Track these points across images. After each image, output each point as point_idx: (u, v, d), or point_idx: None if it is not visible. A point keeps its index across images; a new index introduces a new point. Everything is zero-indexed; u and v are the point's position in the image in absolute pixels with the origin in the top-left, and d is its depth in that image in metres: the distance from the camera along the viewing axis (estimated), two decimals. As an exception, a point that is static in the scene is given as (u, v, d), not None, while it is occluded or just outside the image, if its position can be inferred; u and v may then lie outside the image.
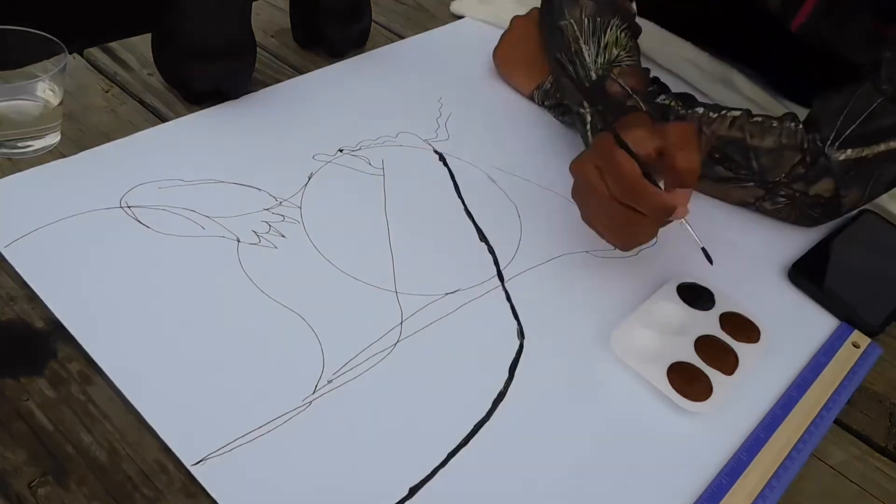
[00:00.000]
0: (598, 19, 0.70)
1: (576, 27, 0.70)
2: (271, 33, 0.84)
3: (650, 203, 0.53)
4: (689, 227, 0.56)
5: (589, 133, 0.68)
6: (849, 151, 0.64)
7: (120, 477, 0.43)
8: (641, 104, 0.66)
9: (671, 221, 0.56)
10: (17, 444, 0.43)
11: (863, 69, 0.65)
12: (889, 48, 0.63)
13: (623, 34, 0.70)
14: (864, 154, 0.64)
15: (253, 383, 0.48)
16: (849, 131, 0.64)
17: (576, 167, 0.56)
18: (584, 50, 0.70)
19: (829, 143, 0.64)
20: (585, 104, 0.68)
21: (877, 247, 0.71)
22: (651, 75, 0.74)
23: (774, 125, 0.67)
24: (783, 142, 0.66)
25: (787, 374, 0.57)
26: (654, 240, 0.66)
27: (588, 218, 0.58)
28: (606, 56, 0.69)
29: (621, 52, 0.69)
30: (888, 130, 0.63)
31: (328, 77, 0.78)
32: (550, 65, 0.76)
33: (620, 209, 0.54)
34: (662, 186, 0.55)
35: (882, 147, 0.63)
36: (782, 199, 0.68)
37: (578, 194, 0.58)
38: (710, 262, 0.57)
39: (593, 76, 0.68)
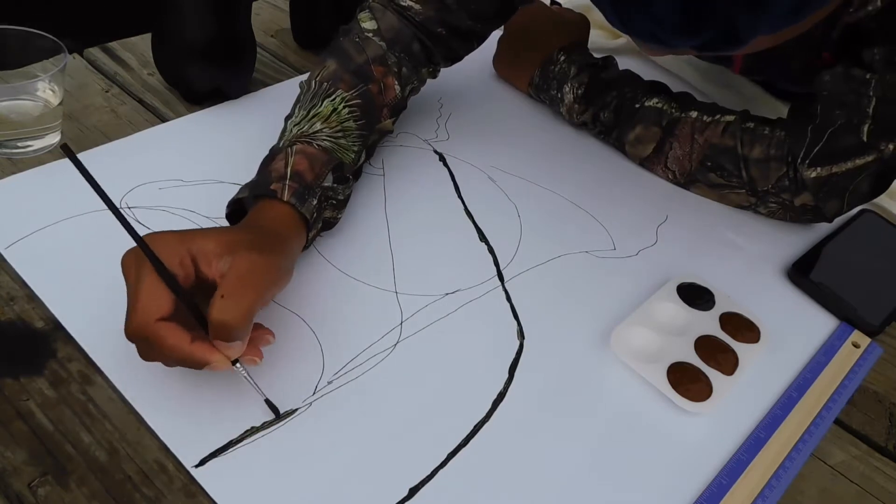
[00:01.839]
0: (325, 84, 0.60)
1: (304, 89, 0.61)
2: (271, 33, 0.84)
3: (166, 354, 0.42)
4: (245, 375, 0.45)
5: (227, 204, 0.55)
6: (819, 169, 0.64)
7: (120, 477, 0.43)
8: (285, 193, 0.51)
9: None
10: (16, 443, 0.43)
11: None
12: (827, 72, 0.63)
13: (346, 110, 0.59)
14: (833, 171, 0.64)
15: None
16: (816, 150, 0.64)
17: (122, 263, 0.44)
18: (293, 115, 0.59)
19: (800, 160, 0.65)
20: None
21: (877, 247, 0.71)
22: (651, 78, 0.75)
23: (766, 133, 0.67)
24: (771, 153, 0.66)
25: (787, 374, 0.57)
26: (655, 240, 0.66)
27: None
28: (305, 127, 0.57)
29: (324, 129, 0.57)
30: (852, 150, 0.63)
31: (328, 77, 0.78)
32: None
33: (131, 341, 0.43)
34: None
35: (849, 164, 0.63)
36: (773, 205, 0.69)
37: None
38: (277, 415, 0.46)
39: (279, 144, 0.56)
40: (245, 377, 0.45)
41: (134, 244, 0.43)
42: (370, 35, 0.63)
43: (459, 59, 0.70)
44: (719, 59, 0.81)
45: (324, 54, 0.63)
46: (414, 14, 0.64)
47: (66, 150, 0.42)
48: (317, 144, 0.56)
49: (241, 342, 0.43)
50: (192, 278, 0.44)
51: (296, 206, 0.52)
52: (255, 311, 0.43)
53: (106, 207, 0.43)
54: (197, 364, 0.42)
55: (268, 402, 0.46)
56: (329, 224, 0.58)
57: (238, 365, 0.45)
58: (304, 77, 0.64)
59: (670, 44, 0.41)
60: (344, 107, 0.59)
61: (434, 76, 0.69)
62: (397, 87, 0.64)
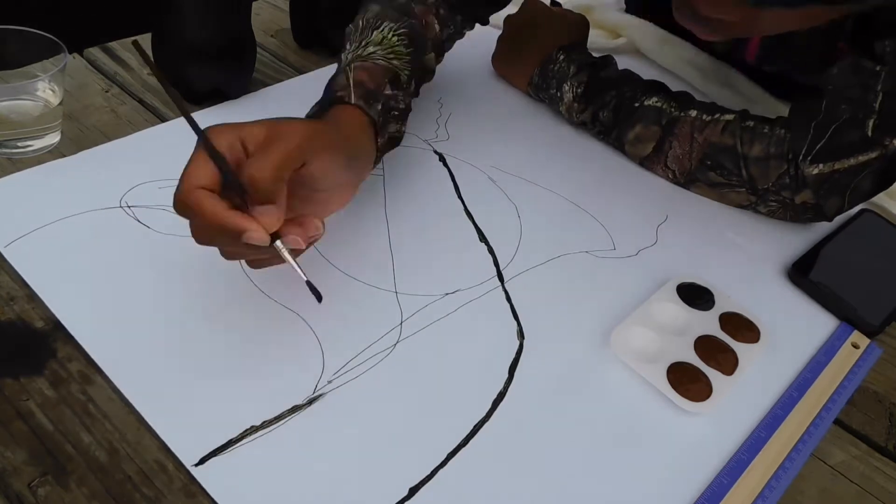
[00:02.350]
0: (372, 20, 0.62)
1: (351, 31, 0.62)
2: (271, 33, 0.85)
3: (204, 220, 0.41)
4: (286, 254, 0.44)
5: None
6: (821, 166, 0.64)
7: (120, 477, 0.43)
8: (352, 97, 0.54)
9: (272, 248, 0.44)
10: (16, 443, 0.43)
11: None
12: (835, 66, 0.64)
13: (395, 38, 0.60)
14: (835, 168, 0.64)
15: (253, 383, 0.48)
16: (819, 146, 0.64)
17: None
18: (345, 50, 0.61)
19: (801, 157, 0.65)
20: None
21: (877, 247, 0.71)
22: (650, 78, 0.75)
23: (766, 131, 0.67)
24: (771, 151, 0.66)
25: (787, 374, 0.57)
26: (655, 240, 0.66)
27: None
28: (360, 52, 0.59)
29: (378, 50, 0.59)
30: (855, 146, 0.63)
31: (328, 77, 0.78)
32: None
33: (179, 213, 0.43)
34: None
35: (852, 161, 0.63)
36: (774, 204, 0.69)
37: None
38: (319, 299, 0.46)
39: (336, 72, 0.59)
40: (285, 256, 0.44)
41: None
42: None
43: (484, 21, 0.73)
44: (735, 47, 0.80)
45: (363, 5, 0.65)
46: None
47: (136, 46, 0.42)
48: (372, 62, 0.58)
49: (276, 208, 0.42)
50: (238, 161, 0.43)
51: (363, 107, 0.54)
52: (287, 169, 0.43)
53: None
54: (234, 231, 0.41)
55: (309, 284, 0.45)
56: (395, 140, 0.59)
57: (279, 243, 0.43)
58: (308, 73, 0.64)
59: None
60: (392, 35, 0.61)
61: (469, 27, 0.72)
62: (437, 26, 0.66)
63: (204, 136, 0.42)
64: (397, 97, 0.58)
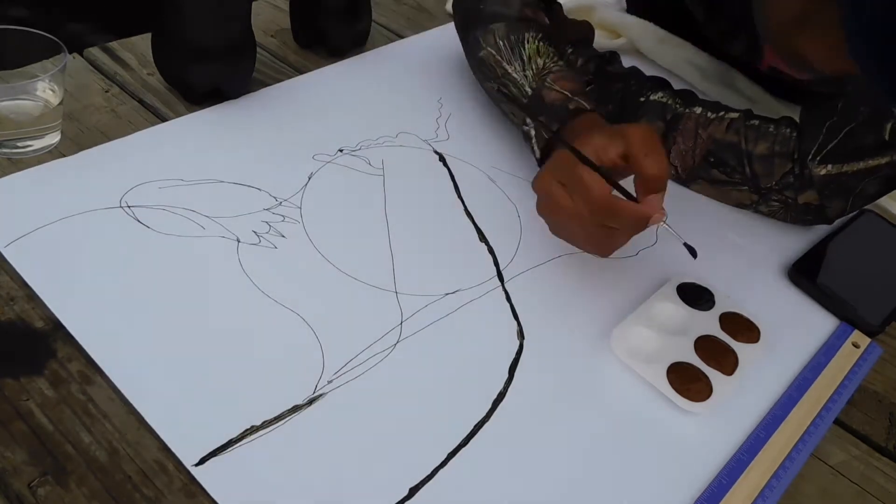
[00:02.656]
0: (512, 37, 0.68)
1: (494, 53, 0.69)
2: (271, 33, 0.84)
3: (624, 219, 0.52)
4: (668, 227, 0.54)
5: (535, 147, 0.64)
6: (829, 167, 0.64)
7: (120, 477, 0.43)
8: (585, 103, 0.62)
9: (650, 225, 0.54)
10: (16, 443, 0.43)
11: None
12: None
13: (541, 44, 0.67)
14: (844, 170, 0.64)
15: (253, 383, 0.48)
16: (830, 146, 0.64)
17: (539, 185, 0.55)
18: (510, 70, 0.67)
19: (810, 156, 0.65)
20: (528, 120, 0.65)
21: (877, 247, 0.71)
22: (650, 75, 0.75)
23: (770, 130, 0.67)
24: (775, 149, 0.66)
25: (787, 374, 0.57)
26: (655, 240, 0.66)
27: (558, 231, 0.57)
28: (533, 68, 0.66)
29: (546, 61, 0.66)
30: (867, 149, 0.63)
31: (328, 77, 0.78)
32: (490, 96, 0.74)
33: (594, 227, 0.53)
34: (634, 192, 0.53)
35: (861, 164, 0.63)
36: (776, 204, 0.69)
37: (546, 211, 0.56)
38: (695, 256, 0.54)
39: (528, 90, 0.65)
40: (667, 227, 0.53)
41: None
42: None
43: None
44: (749, 55, 0.80)
45: (475, 26, 0.71)
46: None
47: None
48: (557, 70, 0.65)
49: (662, 194, 0.53)
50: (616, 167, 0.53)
51: (597, 110, 0.62)
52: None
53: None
54: (645, 218, 0.52)
55: (686, 245, 0.54)
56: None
57: (662, 222, 0.53)
58: (308, 73, 0.64)
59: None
60: (538, 42, 0.68)
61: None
62: (545, 17, 0.72)
63: (588, 160, 0.52)
64: (588, 81, 0.69)
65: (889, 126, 0.62)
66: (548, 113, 0.63)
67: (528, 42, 0.67)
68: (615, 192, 0.53)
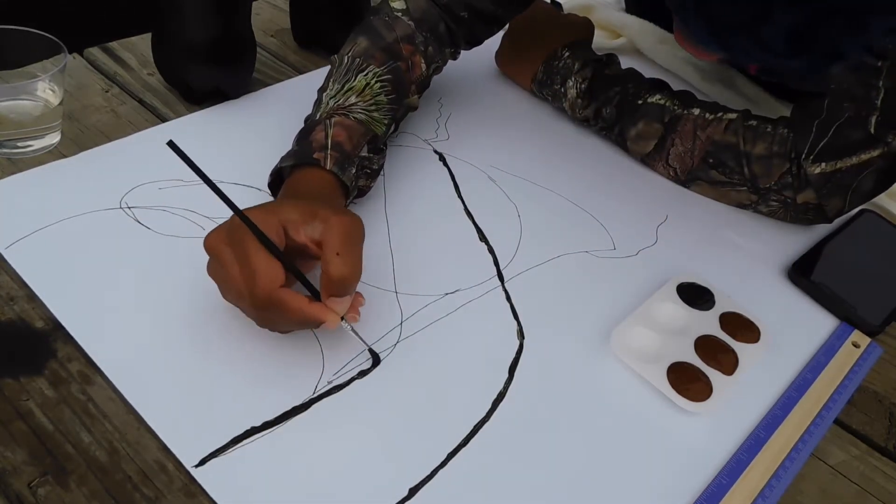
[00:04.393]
0: (358, 60, 0.62)
1: (336, 64, 0.63)
2: (271, 33, 0.84)
3: (289, 318, 0.46)
4: (350, 330, 0.49)
5: (268, 175, 0.58)
6: (823, 165, 0.64)
7: (120, 477, 0.43)
8: (328, 162, 0.55)
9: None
10: (16, 443, 0.43)
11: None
12: (837, 65, 0.63)
13: (378, 84, 0.61)
14: (838, 167, 0.64)
15: (253, 384, 0.48)
16: (821, 145, 0.64)
17: (209, 246, 0.47)
18: (327, 88, 0.62)
19: (804, 156, 0.65)
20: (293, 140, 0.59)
21: (877, 247, 0.71)
22: (651, 76, 0.75)
23: (769, 130, 0.67)
24: (774, 149, 0.66)
25: (787, 374, 0.57)
26: (655, 240, 0.66)
27: (225, 297, 0.48)
28: (341, 100, 0.60)
29: (359, 102, 0.60)
30: (857, 144, 0.63)
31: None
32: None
33: (256, 312, 0.46)
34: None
35: (854, 160, 0.63)
36: (775, 203, 0.69)
37: (211, 275, 0.48)
38: (376, 362, 0.51)
39: (316, 116, 0.60)
40: (350, 331, 0.49)
41: (200, 236, 0.48)
42: (399, 14, 0.66)
43: (479, 42, 0.72)
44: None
45: (354, 32, 0.66)
46: None
47: (172, 146, 0.46)
48: (353, 117, 0.59)
49: (349, 297, 0.48)
50: (283, 247, 0.47)
51: (338, 174, 0.55)
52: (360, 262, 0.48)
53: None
54: (315, 323, 0.47)
55: (370, 350, 0.51)
56: (363, 192, 0.61)
57: (343, 322, 0.48)
58: (308, 73, 0.64)
59: (769, 65, 0.44)
60: (376, 81, 0.62)
61: (455, 58, 0.72)
62: (423, 66, 0.66)
63: (264, 236, 0.45)
64: (372, 159, 0.60)
65: (874, 119, 0.62)
66: (301, 146, 0.57)
67: (365, 73, 0.62)
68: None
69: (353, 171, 0.57)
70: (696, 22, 0.44)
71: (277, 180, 0.58)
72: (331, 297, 0.47)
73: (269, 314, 0.46)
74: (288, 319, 0.46)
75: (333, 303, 0.47)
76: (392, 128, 0.64)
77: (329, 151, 0.56)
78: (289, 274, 0.46)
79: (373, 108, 0.61)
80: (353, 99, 0.60)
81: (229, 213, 0.59)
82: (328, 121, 0.58)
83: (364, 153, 0.59)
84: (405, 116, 0.68)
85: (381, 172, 0.67)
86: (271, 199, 0.61)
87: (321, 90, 0.63)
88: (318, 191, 0.54)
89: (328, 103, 0.60)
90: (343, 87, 0.61)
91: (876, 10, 0.41)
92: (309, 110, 0.62)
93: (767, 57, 0.43)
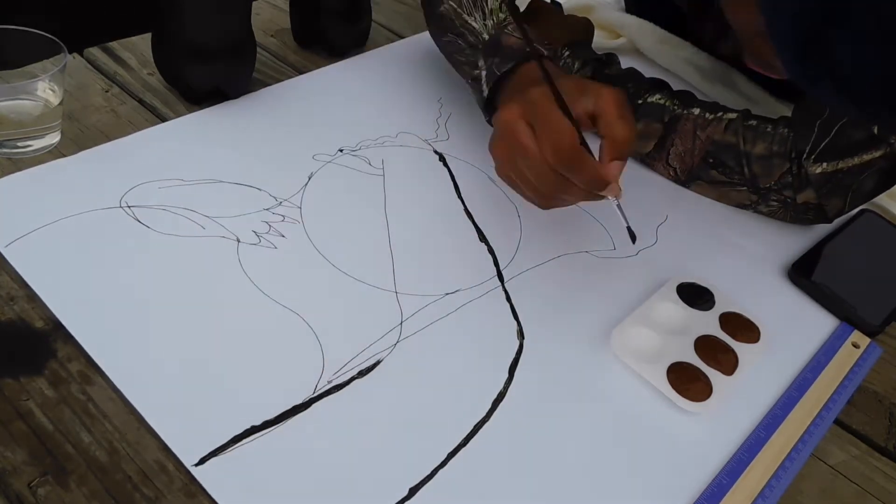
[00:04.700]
0: None
1: (455, 6, 0.66)
2: (271, 33, 0.84)
3: (586, 176, 0.50)
4: (619, 206, 0.53)
5: (485, 88, 0.62)
6: (825, 165, 0.64)
7: (120, 477, 0.43)
8: (542, 49, 0.60)
9: (603, 198, 0.53)
10: (16, 443, 0.43)
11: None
12: None
13: (501, 4, 0.65)
14: (839, 167, 0.64)
15: (253, 383, 0.48)
16: (823, 145, 0.64)
17: (504, 119, 0.52)
18: (469, 21, 0.65)
19: (805, 155, 0.65)
20: (480, 63, 0.62)
21: (877, 247, 0.71)
22: (651, 76, 0.75)
23: (769, 130, 0.67)
24: (774, 149, 0.66)
25: (787, 374, 0.57)
26: (655, 240, 0.66)
27: (507, 173, 0.54)
28: (495, 19, 0.63)
29: (508, 17, 0.63)
30: (860, 144, 0.63)
31: (328, 77, 0.78)
32: (444, 51, 0.71)
33: (551, 174, 0.50)
34: (596, 154, 0.52)
35: (856, 160, 0.63)
36: (775, 203, 0.69)
37: (501, 149, 0.53)
38: (633, 240, 0.54)
39: (485, 37, 0.63)
40: (617, 206, 0.53)
41: None
42: None
43: None
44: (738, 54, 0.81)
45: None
46: None
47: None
48: (510, 28, 0.63)
49: (624, 167, 0.51)
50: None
51: (551, 58, 0.61)
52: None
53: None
54: (605, 183, 0.50)
55: (629, 229, 0.54)
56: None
57: (611, 198, 0.52)
58: (308, 73, 0.64)
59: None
60: (498, 1, 0.65)
61: None
62: None
63: (564, 104, 0.49)
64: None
65: None
66: (504, 55, 0.60)
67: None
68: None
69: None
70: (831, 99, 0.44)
71: (489, 98, 0.61)
72: (613, 162, 0.50)
73: (566, 172, 0.49)
74: (582, 176, 0.49)
75: (613, 168, 0.50)
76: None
77: (535, 46, 0.58)
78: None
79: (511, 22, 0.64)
80: (501, 16, 0.64)
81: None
82: (506, 30, 0.62)
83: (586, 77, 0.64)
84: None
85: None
86: (273, 198, 0.61)
87: (448, 31, 0.67)
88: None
89: (486, 25, 0.64)
90: (484, 13, 0.64)
91: None
92: (309, 109, 0.62)
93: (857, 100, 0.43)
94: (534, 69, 0.56)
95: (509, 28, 0.62)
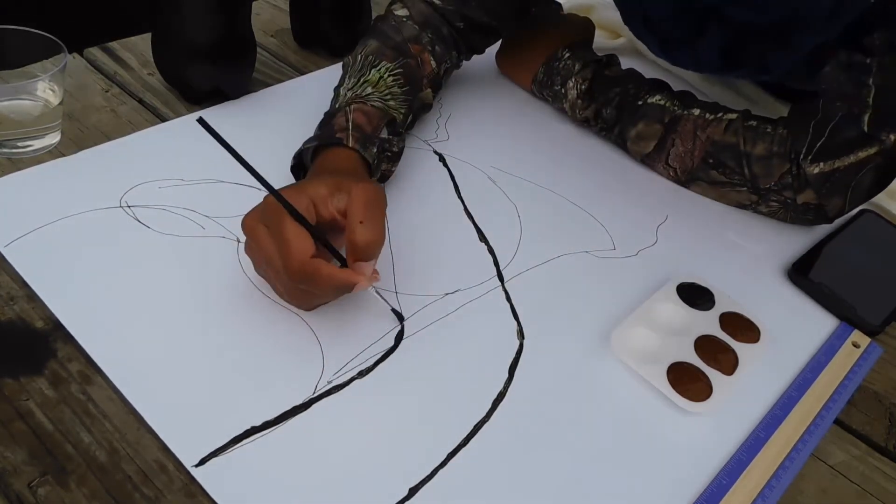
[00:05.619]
0: (370, 57, 0.66)
1: (350, 63, 0.67)
2: (271, 33, 0.85)
3: (324, 286, 0.48)
4: (376, 293, 0.53)
5: (295, 152, 0.61)
6: (821, 165, 0.64)
7: (120, 477, 0.43)
8: (350, 141, 0.58)
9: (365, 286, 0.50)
10: (16, 443, 0.43)
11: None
12: (827, 65, 0.64)
13: (391, 78, 0.65)
14: (836, 166, 0.64)
15: (253, 384, 0.48)
16: (819, 145, 0.64)
17: (245, 225, 0.50)
18: (343, 83, 0.66)
19: (802, 156, 0.65)
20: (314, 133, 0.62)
21: (877, 247, 0.71)
22: (651, 76, 0.75)
23: (769, 130, 0.67)
24: (773, 150, 0.66)
25: (787, 374, 0.57)
26: (655, 240, 0.66)
27: (260, 274, 0.52)
28: (358, 91, 0.63)
29: (374, 92, 0.63)
30: (853, 142, 0.63)
31: (328, 77, 0.78)
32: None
33: (292, 284, 0.48)
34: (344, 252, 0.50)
35: (852, 158, 0.63)
36: (775, 204, 0.69)
37: (250, 251, 0.51)
38: (401, 321, 0.54)
39: (335, 106, 0.63)
40: (376, 293, 0.53)
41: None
42: (404, 19, 0.70)
43: (480, 51, 0.77)
44: None
45: (363, 37, 0.70)
46: (437, 6, 0.71)
47: (202, 123, 0.47)
48: (370, 104, 0.62)
49: (375, 261, 0.50)
50: (314, 221, 0.49)
51: (360, 151, 0.58)
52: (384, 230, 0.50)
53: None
54: (349, 286, 0.48)
55: (394, 310, 0.54)
56: (385, 176, 0.64)
57: (371, 287, 0.51)
58: (308, 73, 0.64)
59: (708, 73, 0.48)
60: (389, 75, 0.65)
61: (467, 58, 0.76)
62: (433, 63, 0.70)
63: (295, 211, 0.48)
64: (392, 141, 0.63)
65: (866, 118, 0.62)
66: (323, 131, 0.60)
67: (378, 69, 0.65)
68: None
69: (374, 150, 0.60)
70: (647, 37, 0.47)
71: (299, 165, 0.61)
72: (357, 262, 0.49)
73: (303, 285, 0.48)
74: (321, 287, 0.48)
75: (360, 267, 0.49)
76: (409, 117, 0.67)
77: (350, 132, 0.59)
78: (321, 248, 0.49)
79: (388, 97, 0.64)
80: (369, 90, 0.64)
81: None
82: (347, 108, 0.61)
83: (384, 135, 0.61)
84: (421, 111, 0.71)
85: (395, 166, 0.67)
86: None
87: (337, 87, 0.66)
88: (344, 167, 0.57)
89: (346, 95, 0.63)
90: (359, 80, 0.65)
91: (795, 29, 0.48)
92: (309, 109, 0.63)
93: (706, 70, 0.47)
94: (336, 156, 0.57)
95: (353, 106, 0.61)
